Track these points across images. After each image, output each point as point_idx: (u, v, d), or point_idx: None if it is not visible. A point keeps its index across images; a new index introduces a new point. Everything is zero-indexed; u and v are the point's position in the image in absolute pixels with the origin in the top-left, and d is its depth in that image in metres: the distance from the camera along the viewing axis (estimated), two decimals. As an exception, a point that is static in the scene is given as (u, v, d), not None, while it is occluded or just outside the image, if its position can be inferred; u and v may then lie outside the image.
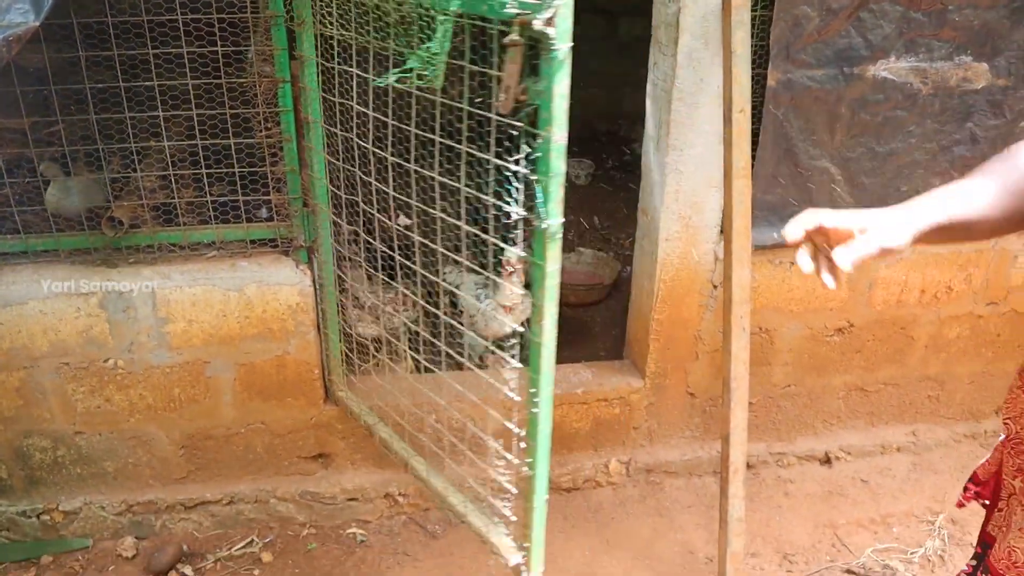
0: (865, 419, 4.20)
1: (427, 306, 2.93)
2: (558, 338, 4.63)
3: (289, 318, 3.29)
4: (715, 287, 3.58)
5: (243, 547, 3.50)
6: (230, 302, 3.24)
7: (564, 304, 5.02)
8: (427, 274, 2.81)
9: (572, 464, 3.78)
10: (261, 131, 3.10)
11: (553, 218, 2.10)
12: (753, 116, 3.19)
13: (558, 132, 2.01)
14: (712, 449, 3.87)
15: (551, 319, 2.26)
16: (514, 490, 2.58)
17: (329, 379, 3.46)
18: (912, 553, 3.66)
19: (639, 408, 3.77)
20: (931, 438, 4.28)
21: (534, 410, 2.34)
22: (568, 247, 5.51)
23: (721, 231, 3.47)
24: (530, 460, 2.43)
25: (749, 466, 3.99)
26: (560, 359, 4.05)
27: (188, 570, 3.36)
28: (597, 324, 4.82)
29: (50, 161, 3.12)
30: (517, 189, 2.16)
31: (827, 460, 4.12)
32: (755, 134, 3.34)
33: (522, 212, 2.19)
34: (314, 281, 3.27)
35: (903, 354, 4.06)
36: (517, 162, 2.13)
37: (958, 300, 4.00)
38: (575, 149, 6.52)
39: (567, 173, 6.38)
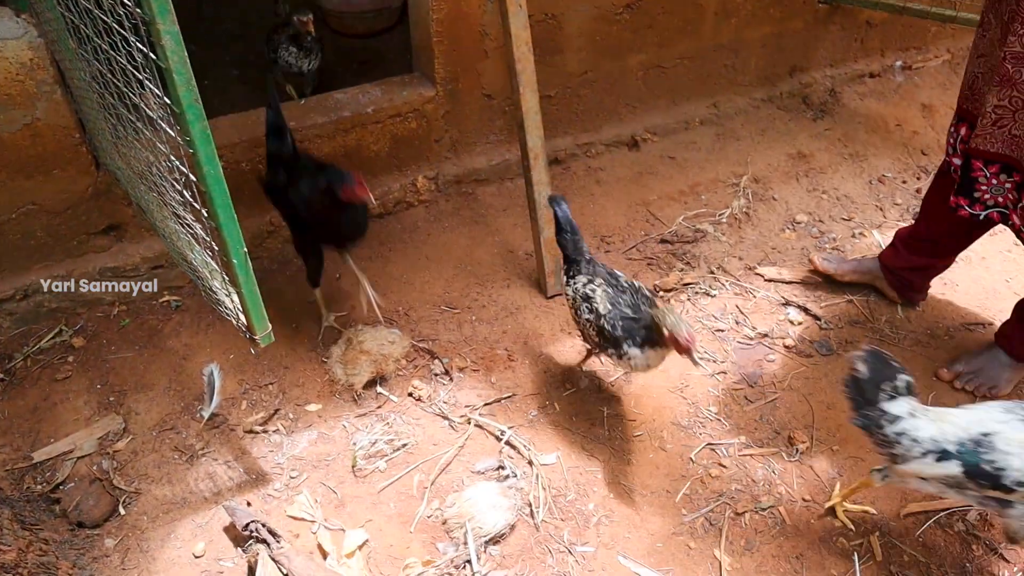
0: (666, 98, 4.22)
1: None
2: (349, 68, 4.41)
3: (27, 78, 2.90)
4: (493, -26, 3.37)
5: (52, 338, 3.29)
6: (-50, 70, 2.82)
7: (353, 35, 4.78)
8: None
9: (379, 188, 3.66)
10: None
11: None
12: None
13: None
14: (519, 151, 3.82)
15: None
16: (215, 245, 2.24)
17: (93, 142, 3.14)
18: (720, 214, 3.82)
19: (436, 118, 3.63)
20: (731, 107, 4.37)
21: (191, 151, 1.93)
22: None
23: (488, -90, 3.21)
24: (209, 209, 2.05)
25: (559, 161, 3.99)
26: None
27: (-4, 373, 3.16)
28: (391, 51, 4.56)
29: None
30: None
31: (634, 143, 4.16)
32: None
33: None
34: (42, 31, 2.86)
35: (695, 25, 4.02)
36: None
37: (742, -41, 3.93)
38: None
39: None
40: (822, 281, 3.45)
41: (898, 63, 4.73)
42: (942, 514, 2.61)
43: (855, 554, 2.50)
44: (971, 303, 3.36)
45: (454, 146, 3.77)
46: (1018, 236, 2.68)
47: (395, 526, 2.59)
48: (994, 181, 2.66)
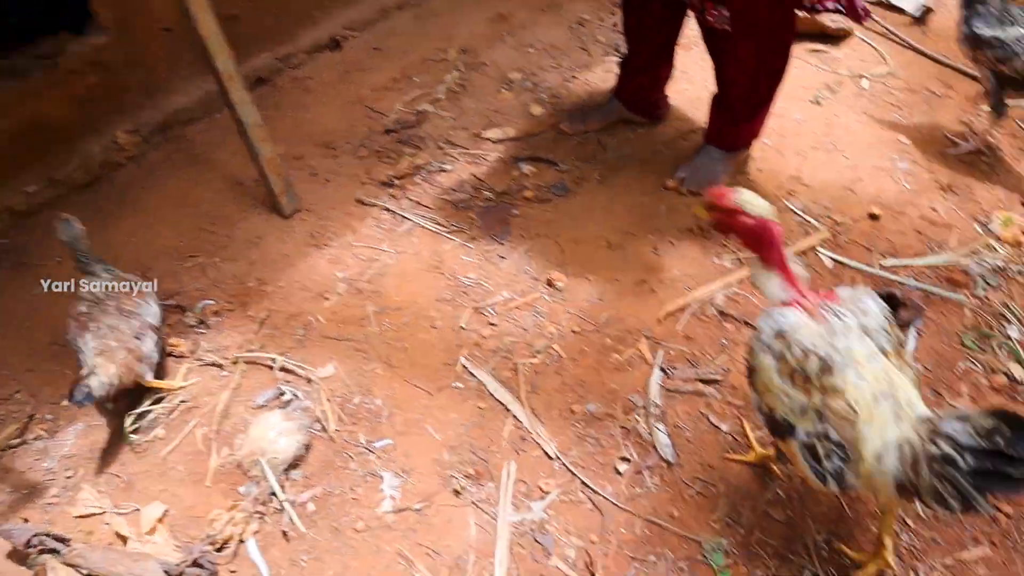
0: (358, -11, 4.12)
1: None
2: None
3: None
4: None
5: None
6: None
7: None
8: None
9: (76, 158, 3.36)
10: None
11: None
12: None
13: None
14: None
15: None
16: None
17: None
18: (436, 92, 3.81)
19: (117, 66, 3.34)
20: (423, -16, 4.33)
21: None
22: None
23: None
24: None
25: (262, 80, 3.84)
26: None
27: None
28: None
29: None
30: None
31: (335, 44, 4.05)
32: None
33: None
34: None
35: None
36: None
37: None
38: None
39: None
40: (546, 129, 3.55)
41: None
42: (695, 306, 2.83)
43: (628, 365, 2.68)
44: (682, 115, 3.58)
45: (148, 90, 3.49)
46: (702, 26, 2.88)
47: (190, 487, 2.50)
48: None
